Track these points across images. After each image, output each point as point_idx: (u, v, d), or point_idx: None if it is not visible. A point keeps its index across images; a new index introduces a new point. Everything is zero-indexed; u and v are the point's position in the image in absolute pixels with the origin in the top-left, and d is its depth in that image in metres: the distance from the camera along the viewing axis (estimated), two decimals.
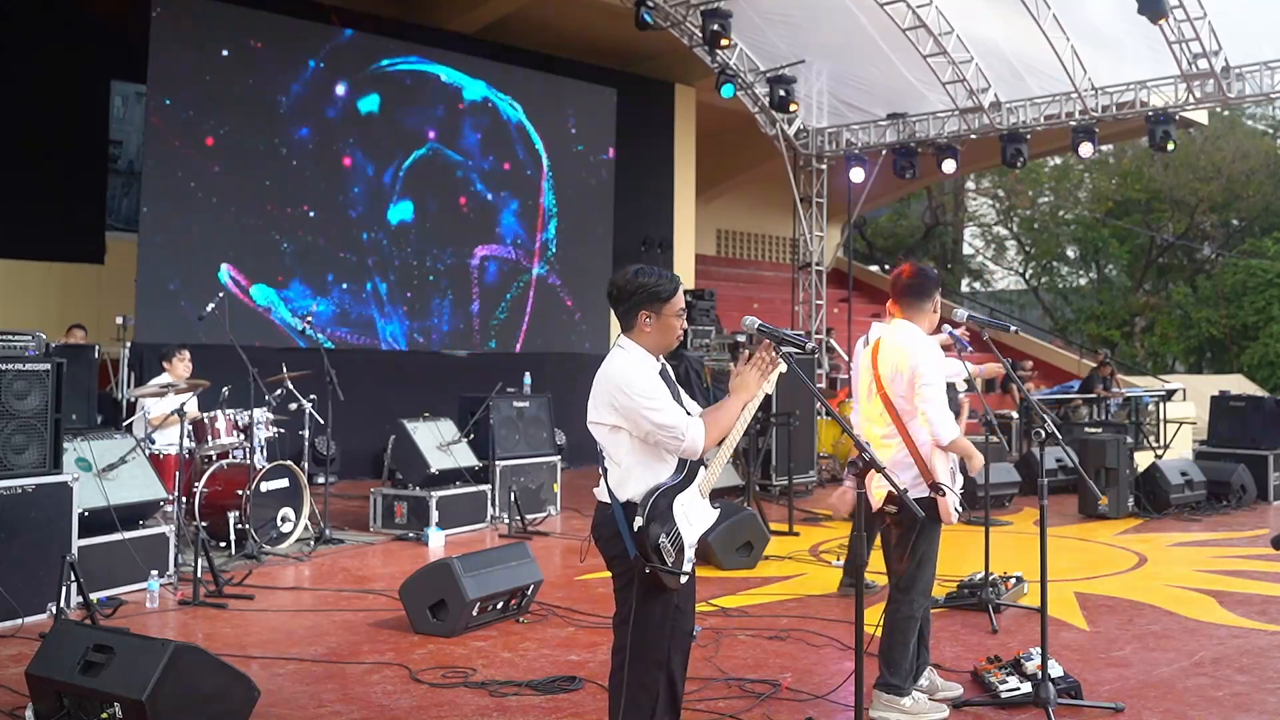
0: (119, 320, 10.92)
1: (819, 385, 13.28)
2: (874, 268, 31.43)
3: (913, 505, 3.57)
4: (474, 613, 5.86)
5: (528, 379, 10.76)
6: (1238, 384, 21.30)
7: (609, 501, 3.49)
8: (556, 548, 8.67)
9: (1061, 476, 11.32)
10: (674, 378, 3.63)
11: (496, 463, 9.65)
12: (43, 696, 4.20)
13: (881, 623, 4.66)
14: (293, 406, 8.87)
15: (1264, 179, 29.70)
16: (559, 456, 10.51)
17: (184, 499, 7.44)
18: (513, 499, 9.36)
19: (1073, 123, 13.68)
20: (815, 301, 16.17)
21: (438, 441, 9.26)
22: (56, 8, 12.37)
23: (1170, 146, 13.17)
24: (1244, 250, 30.14)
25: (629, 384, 3.41)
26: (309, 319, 9.45)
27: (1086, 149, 13.73)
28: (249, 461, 8.18)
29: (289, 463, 8.35)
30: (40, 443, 6.19)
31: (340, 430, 9.62)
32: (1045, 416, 4.91)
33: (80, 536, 6.32)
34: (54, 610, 5.81)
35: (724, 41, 12.76)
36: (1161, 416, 15.30)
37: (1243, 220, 31.69)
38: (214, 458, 8.22)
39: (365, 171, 13.33)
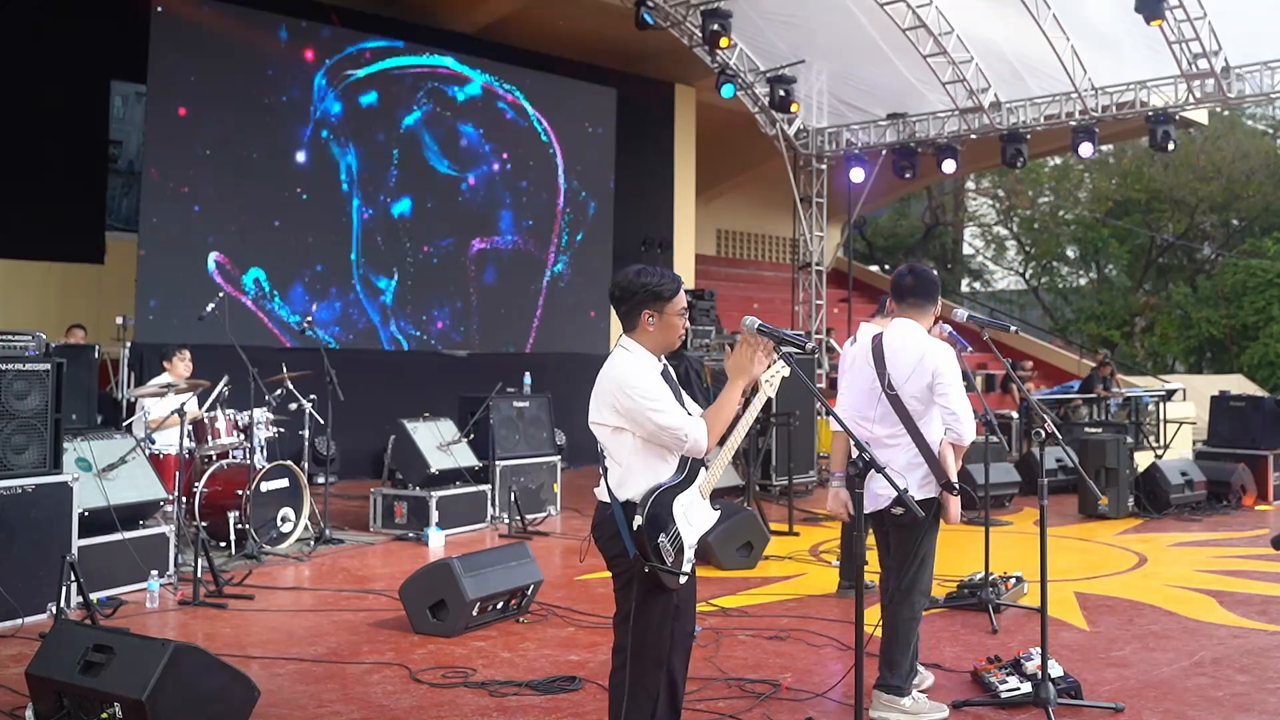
0: (119, 320, 10.92)
1: (819, 385, 13.28)
2: (874, 268, 31.43)
3: (914, 505, 3.57)
4: (474, 613, 5.87)
5: (528, 379, 10.76)
6: (1238, 384, 21.30)
7: (609, 501, 3.50)
8: (556, 548, 8.67)
9: (1061, 476, 11.33)
10: (675, 378, 3.63)
11: (496, 463, 9.65)
12: (43, 696, 4.20)
13: (882, 623, 4.66)
14: (293, 406, 8.87)
15: (1264, 179, 29.68)
16: (559, 456, 10.51)
17: (184, 499, 7.44)
18: (513, 499, 9.36)
19: (1073, 123, 13.68)
20: (815, 301, 16.17)
21: (438, 441, 9.26)
22: (56, 8, 12.36)
23: (1170, 146, 13.18)
24: (1244, 250, 30.15)
25: (631, 385, 3.42)
26: (309, 319, 9.45)
27: (1086, 149, 13.73)
28: (249, 461, 8.18)
29: (289, 463, 8.35)
30: (40, 443, 6.19)
31: (340, 430, 9.62)
32: (1045, 416, 4.92)
33: (80, 536, 6.32)
34: (54, 610, 5.81)
35: (724, 41, 12.75)
36: (1161, 416, 15.30)
37: (1243, 220, 31.69)
38: (214, 458, 8.22)
39: (366, 170, 13.33)
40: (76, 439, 6.79)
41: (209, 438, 8.20)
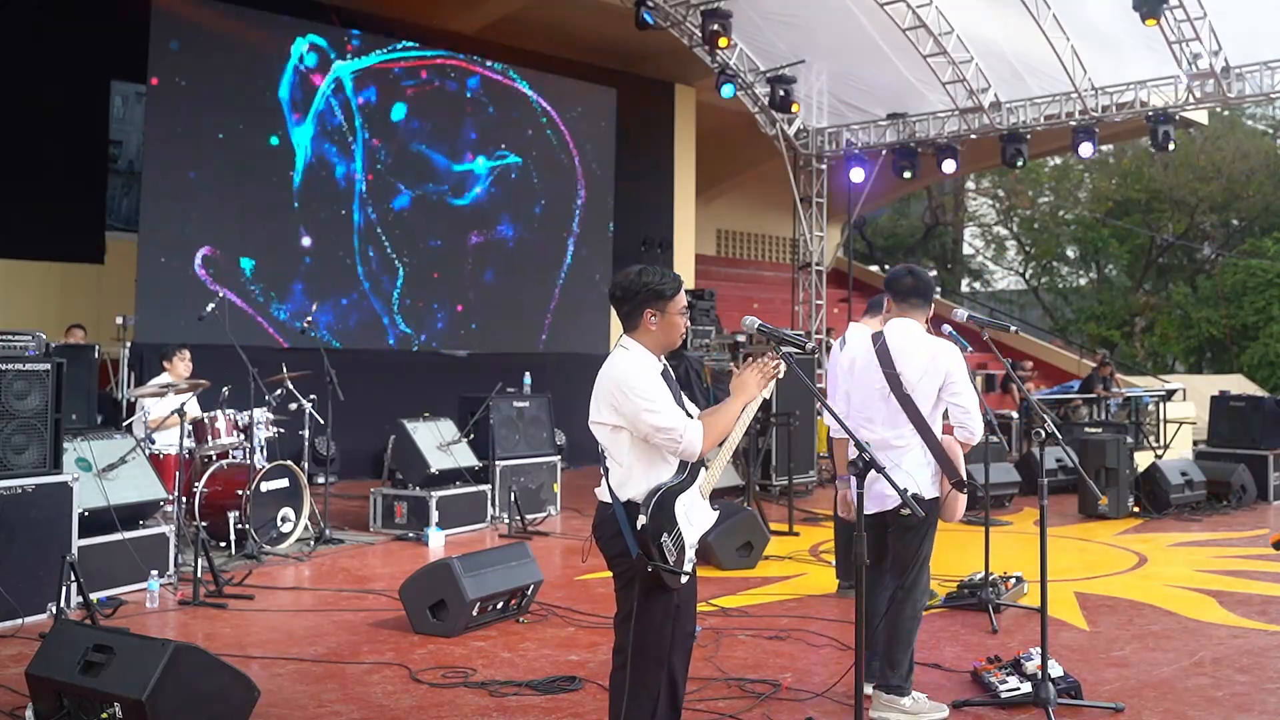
0: (119, 320, 10.92)
1: (819, 385, 13.29)
2: (874, 268, 31.41)
3: (914, 505, 3.59)
4: (474, 613, 5.87)
5: (528, 379, 10.76)
6: (1238, 384, 21.30)
7: (610, 501, 3.50)
8: (556, 548, 8.67)
9: (1061, 476, 11.33)
10: (675, 378, 3.64)
11: (496, 463, 9.65)
12: (43, 696, 4.20)
13: (883, 623, 4.66)
14: (293, 406, 8.87)
15: (1264, 179, 29.68)
16: (559, 456, 10.51)
17: (184, 499, 7.44)
18: (513, 499, 9.36)
19: (1073, 123, 13.68)
20: (815, 301, 16.16)
21: (438, 441, 9.26)
22: (56, 8, 12.36)
23: (1170, 146, 13.18)
24: (1244, 250, 30.14)
25: (629, 385, 3.42)
26: (309, 319, 9.45)
27: (1086, 149, 13.72)
28: (249, 461, 8.18)
29: (289, 463, 8.35)
30: (40, 443, 6.19)
31: (340, 430, 9.62)
32: (1045, 416, 4.92)
33: (80, 536, 6.32)
34: (54, 610, 5.81)
35: (722, 41, 12.74)
36: (1161, 416, 15.30)
37: (1243, 220, 31.69)
38: (214, 458, 8.22)
39: (367, 169, 13.33)
40: (76, 439, 6.79)
41: (209, 438, 8.20)
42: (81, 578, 5.91)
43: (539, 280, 14.99)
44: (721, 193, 22.60)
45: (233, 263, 12.12)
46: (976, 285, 38.65)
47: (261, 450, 8.45)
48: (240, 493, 7.82)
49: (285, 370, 8.76)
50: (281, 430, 8.89)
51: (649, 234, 17.21)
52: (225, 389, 8.39)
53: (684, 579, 3.50)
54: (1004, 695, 4.78)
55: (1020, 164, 14.33)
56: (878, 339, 4.74)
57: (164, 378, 8.43)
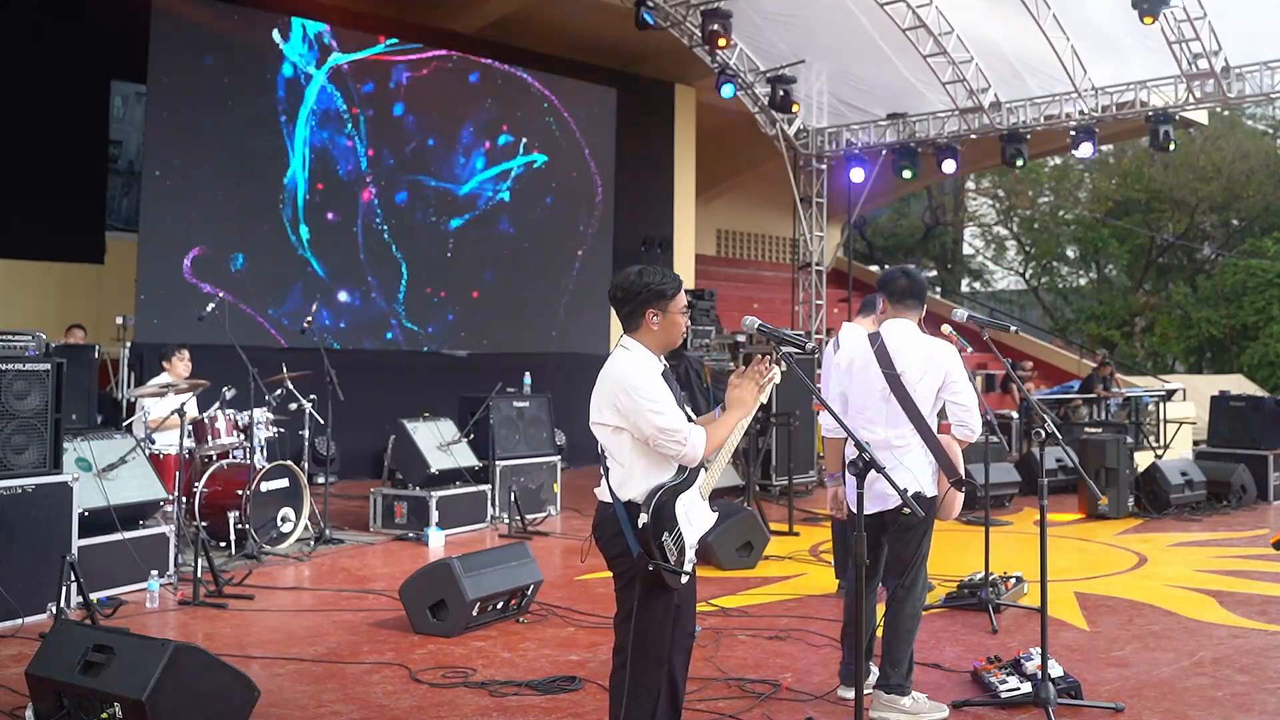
0: (119, 320, 10.92)
1: (818, 385, 13.29)
2: (874, 268, 31.40)
3: (913, 505, 3.59)
4: (474, 613, 5.87)
5: (528, 379, 10.76)
6: (1238, 384, 21.29)
7: (610, 501, 3.51)
8: (556, 548, 8.67)
9: (1061, 476, 11.32)
10: (675, 379, 3.64)
11: (496, 463, 9.65)
12: (43, 696, 4.20)
13: (883, 623, 4.67)
14: (293, 406, 8.87)
15: (1264, 179, 29.66)
16: (559, 456, 10.51)
17: (184, 499, 7.44)
18: (513, 499, 9.36)
19: (1073, 123, 13.67)
20: (815, 301, 16.16)
21: (438, 441, 9.26)
22: (56, 8, 12.37)
23: (1170, 147, 13.18)
24: (1244, 250, 30.13)
25: (633, 386, 3.43)
26: (309, 319, 9.45)
27: (1086, 149, 13.72)
28: (249, 461, 8.18)
29: (289, 463, 8.35)
30: (40, 443, 6.19)
31: (340, 430, 9.62)
32: (1045, 416, 4.93)
33: (80, 536, 6.32)
34: (54, 610, 5.81)
35: (721, 41, 12.73)
36: (1161, 416, 15.30)
37: (1243, 220, 31.67)
38: (214, 458, 8.22)
39: (368, 169, 13.34)
40: (76, 439, 6.79)
41: (209, 438, 8.20)
42: (81, 578, 5.91)
43: (539, 280, 14.98)
44: (721, 193, 22.59)
45: (232, 262, 12.13)
46: (976, 285, 38.64)
47: (261, 450, 8.45)
48: (240, 493, 7.82)
49: (285, 370, 8.76)
50: (281, 430, 8.89)
51: (649, 234, 17.21)
52: (226, 390, 8.38)
53: (684, 579, 3.51)
54: (1004, 695, 4.79)
55: (1020, 164, 14.32)
56: (875, 340, 4.75)
57: (164, 378, 8.44)
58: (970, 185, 34.60)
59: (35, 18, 12.30)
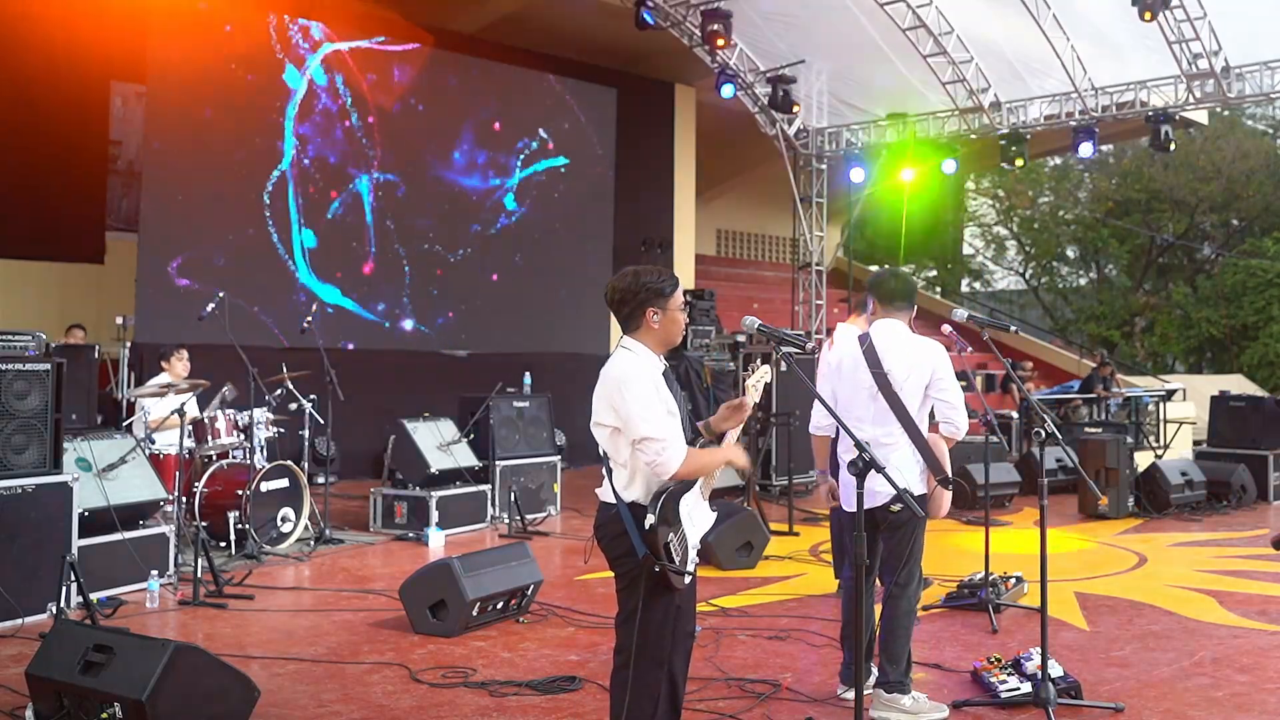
0: (119, 320, 10.92)
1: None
2: (874, 268, 31.39)
3: (913, 504, 3.60)
4: (474, 613, 5.87)
5: (528, 379, 10.76)
6: (1238, 384, 21.29)
7: (613, 502, 3.51)
8: (556, 548, 8.67)
9: (1061, 476, 11.32)
10: (676, 378, 3.65)
11: (496, 463, 9.65)
12: (43, 696, 4.20)
13: (880, 621, 4.68)
14: (293, 406, 8.87)
15: (1264, 179, 29.64)
16: (559, 456, 10.51)
17: (184, 499, 7.44)
18: (513, 499, 9.36)
19: (1073, 123, 13.68)
20: (815, 301, 16.16)
21: (438, 441, 9.26)
22: (56, 8, 12.36)
23: (1170, 147, 13.19)
24: (1244, 250, 30.11)
25: (629, 387, 3.44)
26: (309, 319, 9.44)
27: (1086, 149, 13.72)
28: (249, 461, 8.18)
29: (289, 463, 8.35)
30: (40, 443, 6.19)
31: (340, 430, 9.62)
32: (1045, 416, 4.93)
33: (80, 536, 6.32)
34: (54, 610, 5.82)
35: (719, 41, 12.73)
36: (1161, 416, 15.30)
37: (1243, 220, 31.65)
38: (214, 458, 8.22)
39: (367, 167, 13.34)
40: (76, 439, 6.80)
41: (209, 438, 8.20)
42: (81, 578, 5.91)
43: (539, 280, 14.98)
44: (721, 193, 22.58)
45: (232, 262, 12.12)
46: (976, 285, 38.61)
47: (261, 450, 8.46)
48: (240, 493, 7.82)
49: (285, 370, 8.76)
50: (281, 430, 8.89)
51: (649, 234, 17.19)
52: (228, 391, 8.38)
53: (688, 579, 3.51)
54: (1004, 695, 4.79)
55: (1020, 164, 14.32)
56: (864, 340, 4.80)
57: (163, 378, 8.44)
58: (970, 185, 34.58)
59: (35, 18, 12.29)
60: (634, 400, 3.41)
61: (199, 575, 6.60)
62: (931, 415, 4.76)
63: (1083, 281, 36.51)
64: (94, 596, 6.01)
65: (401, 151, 13.68)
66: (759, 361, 3.82)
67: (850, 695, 4.68)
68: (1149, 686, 5.10)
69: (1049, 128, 14.26)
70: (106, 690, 4.00)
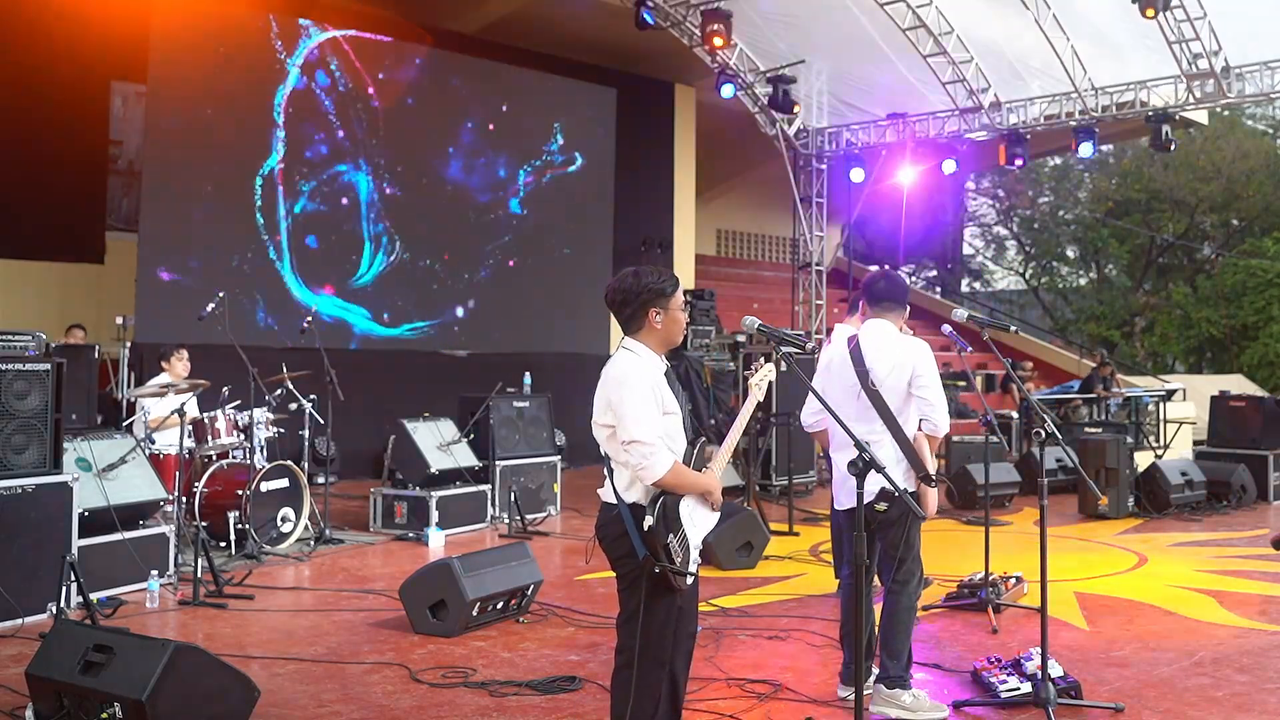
0: (119, 320, 10.92)
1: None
2: (874, 268, 31.36)
3: (913, 505, 3.61)
4: (474, 613, 5.87)
5: (528, 379, 10.76)
6: (1238, 384, 21.27)
7: (614, 502, 3.51)
8: (556, 548, 8.67)
9: (1061, 476, 11.32)
10: (677, 378, 3.65)
11: (496, 463, 9.65)
12: (43, 696, 4.20)
13: (881, 617, 4.70)
14: (293, 406, 8.87)
15: (1264, 179, 29.63)
16: (559, 456, 10.51)
17: (184, 499, 7.44)
18: (513, 499, 9.36)
19: (1073, 123, 13.68)
20: (815, 301, 16.16)
21: (438, 441, 9.26)
22: (56, 8, 12.36)
23: (1170, 147, 13.19)
24: (1244, 250, 30.10)
25: (627, 389, 3.45)
26: (309, 319, 9.45)
27: (1086, 149, 13.72)
28: (249, 461, 8.18)
29: (289, 463, 8.35)
30: (40, 443, 6.19)
31: (340, 430, 9.61)
32: (1045, 416, 4.94)
33: (80, 536, 6.32)
34: (54, 610, 5.82)
35: (718, 41, 12.72)
36: (1161, 416, 15.29)
37: (1243, 220, 31.64)
38: (214, 458, 8.22)
39: (368, 167, 13.34)
40: (76, 439, 6.80)
41: (209, 438, 8.20)
42: (81, 578, 5.91)
43: (539, 280, 14.98)
44: (721, 193, 22.58)
45: (232, 262, 12.13)
46: (976, 285, 38.61)
47: (261, 450, 8.45)
48: (240, 493, 7.82)
49: (285, 370, 8.76)
50: (281, 430, 8.89)
51: (649, 234, 17.20)
52: (225, 390, 8.38)
53: (689, 580, 3.51)
54: (1004, 695, 4.79)
55: (1020, 164, 14.32)
56: (851, 340, 4.88)
57: (163, 378, 8.44)
58: (970, 185, 34.57)
59: (35, 18, 12.30)
60: (629, 401, 3.41)
61: (199, 575, 6.60)
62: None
63: (1083, 281, 36.51)
64: (94, 596, 6.01)
65: (402, 152, 13.68)
66: (763, 360, 3.83)
67: (850, 695, 4.69)
68: (1149, 686, 5.10)
69: (1049, 128, 14.26)
70: (106, 690, 4.00)
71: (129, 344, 10.68)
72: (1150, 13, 10.87)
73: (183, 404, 7.25)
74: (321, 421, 8.96)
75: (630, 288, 3.55)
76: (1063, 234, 34.42)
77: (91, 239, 13.20)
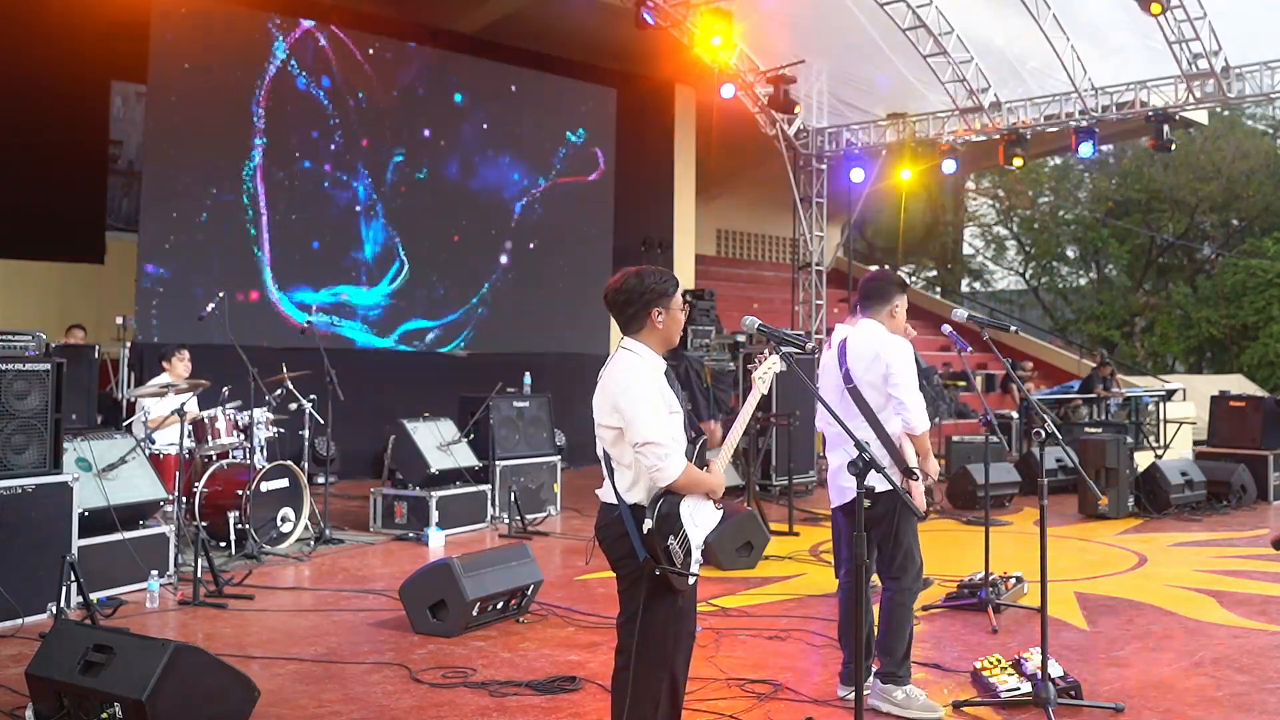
0: (119, 320, 10.92)
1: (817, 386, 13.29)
2: (874, 268, 31.36)
3: (912, 504, 3.61)
4: (474, 613, 5.87)
5: (528, 379, 10.76)
6: (1238, 384, 21.28)
7: (614, 503, 3.50)
8: (556, 548, 8.67)
9: (1061, 476, 11.32)
10: (676, 378, 3.66)
11: (496, 463, 9.65)
12: (43, 696, 4.20)
13: (878, 616, 4.72)
14: (293, 406, 8.87)
15: (1264, 179, 29.64)
16: (559, 456, 10.51)
17: (184, 499, 7.44)
18: (513, 499, 9.36)
19: (1073, 123, 13.68)
20: (815, 301, 16.17)
21: (438, 441, 9.26)
22: (56, 8, 12.36)
23: (1171, 147, 13.20)
24: (1244, 250, 30.10)
25: (635, 391, 3.44)
26: (309, 319, 9.45)
27: (1086, 149, 13.72)
28: (249, 461, 8.18)
29: (289, 463, 8.35)
30: (40, 443, 6.19)
31: (340, 430, 9.61)
32: (1045, 416, 4.95)
33: (80, 536, 6.32)
34: (54, 610, 5.82)
35: (718, 41, 12.79)
36: (1161, 416, 15.29)
37: (1243, 220, 31.65)
38: (214, 458, 8.22)
39: (368, 168, 13.33)
40: (76, 439, 6.79)
41: (209, 438, 8.20)
42: (81, 578, 5.91)
43: (539, 280, 14.98)
44: (721, 193, 22.57)
45: (232, 262, 12.12)
46: (976, 285, 38.61)
47: (261, 450, 8.45)
48: (240, 493, 7.82)
49: (285, 370, 8.76)
50: (281, 430, 8.89)
51: (649, 234, 17.20)
52: (225, 390, 8.38)
53: (691, 580, 3.51)
54: (1004, 695, 4.79)
55: (1020, 164, 14.33)
56: (842, 340, 4.93)
57: (164, 378, 8.43)
58: (970, 185, 34.58)
59: (35, 18, 12.30)
60: (639, 403, 3.41)
61: (199, 575, 6.60)
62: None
63: (1083, 281, 36.51)
64: (94, 596, 6.00)
65: (403, 150, 13.67)
66: (766, 352, 3.81)
67: (850, 695, 4.70)
68: (1149, 686, 5.10)
69: (1049, 128, 14.26)
70: (106, 690, 4.00)
71: (129, 344, 10.69)
72: (1157, 8, 10.85)
73: (183, 404, 7.25)
74: (321, 421, 8.96)
75: (634, 287, 3.55)
76: (1063, 234, 34.41)
77: (91, 239, 13.20)
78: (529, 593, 6.27)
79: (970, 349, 6.11)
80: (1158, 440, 14.93)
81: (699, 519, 3.53)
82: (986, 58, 13.56)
